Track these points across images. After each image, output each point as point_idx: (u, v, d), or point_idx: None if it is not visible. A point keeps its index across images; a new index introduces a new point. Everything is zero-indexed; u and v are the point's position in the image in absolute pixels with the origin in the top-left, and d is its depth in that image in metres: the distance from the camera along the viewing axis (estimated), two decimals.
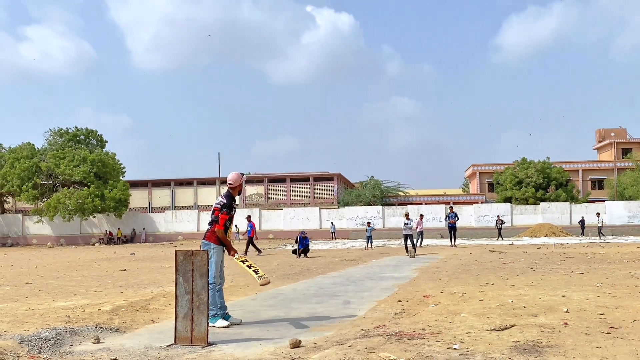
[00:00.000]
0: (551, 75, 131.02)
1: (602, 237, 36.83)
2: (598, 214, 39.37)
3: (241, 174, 7.52)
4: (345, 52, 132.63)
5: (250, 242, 25.11)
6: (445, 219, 24.87)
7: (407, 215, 23.96)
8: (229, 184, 7.46)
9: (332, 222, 50.10)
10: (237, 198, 7.68)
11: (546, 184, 54.09)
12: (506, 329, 6.00)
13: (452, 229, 29.28)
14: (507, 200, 53.91)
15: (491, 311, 7.10)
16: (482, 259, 18.35)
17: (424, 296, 9.02)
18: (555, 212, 49.88)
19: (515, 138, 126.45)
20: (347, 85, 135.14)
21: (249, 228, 25.52)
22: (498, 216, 40.94)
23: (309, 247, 23.66)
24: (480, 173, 64.85)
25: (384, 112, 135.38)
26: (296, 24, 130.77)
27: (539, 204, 51.47)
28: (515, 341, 5.40)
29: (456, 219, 29.49)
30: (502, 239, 35.45)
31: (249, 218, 26.59)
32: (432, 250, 25.25)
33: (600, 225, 38.27)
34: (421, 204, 56.06)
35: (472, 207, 51.52)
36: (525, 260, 16.66)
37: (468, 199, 60.64)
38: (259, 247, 26.30)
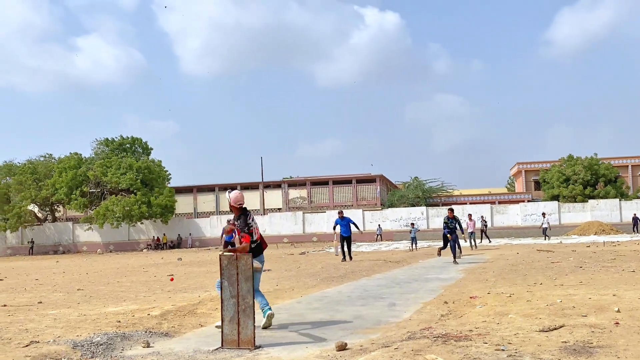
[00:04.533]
0: (601, 69, 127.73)
1: None
2: None
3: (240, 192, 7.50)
4: (392, 51, 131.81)
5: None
6: (444, 227, 19.24)
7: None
8: (239, 204, 7.34)
9: (378, 225, 49.85)
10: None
11: (594, 180, 52.78)
12: (555, 329, 5.89)
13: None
14: (554, 198, 52.81)
15: (539, 311, 6.98)
16: (529, 258, 18.04)
17: (470, 297, 8.93)
18: (605, 210, 48.65)
19: (561, 135, 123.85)
20: (392, 85, 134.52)
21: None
22: (544, 213, 39.71)
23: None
24: (525, 171, 63.70)
25: (429, 111, 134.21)
26: (343, 24, 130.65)
27: (587, 201, 50.29)
28: (565, 342, 5.30)
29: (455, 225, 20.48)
30: (548, 238, 34.57)
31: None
32: (478, 251, 24.93)
33: None
34: (466, 203, 55.38)
35: (518, 206, 50.66)
36: (574, 259, 16.30)
37: (514, 197, 59.63)
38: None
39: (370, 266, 18.08)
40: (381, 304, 9.23)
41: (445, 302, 8.70)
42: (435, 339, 5.73)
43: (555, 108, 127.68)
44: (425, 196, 57.27)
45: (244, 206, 7.38)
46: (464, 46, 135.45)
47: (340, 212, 21.38)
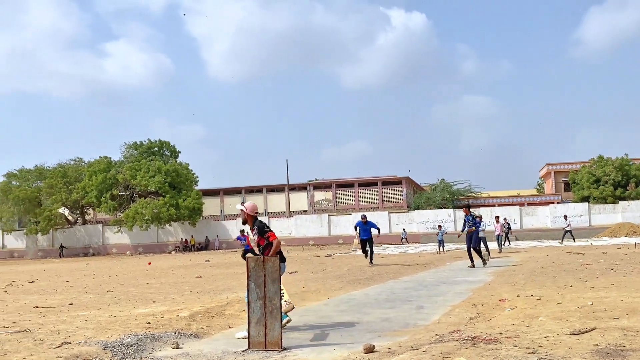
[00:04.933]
0: (631, 68, 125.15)
1: None
2: None
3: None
4: (418, 52, 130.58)
5: (246, 254, 25.69)
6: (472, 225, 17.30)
7: (479, 218, 23.39)
8: (255, 212, 7.82)
9: (403, 229, 49.63)
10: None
11: (625, 181, 51.88)
12: (586, 332, 5.80)
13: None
14: (584, 199, 52.03)
15: (570, 314, 6.88)
16: (559, 260, 17.79)
17: (499, 300, 8.84)
18: (636, 211, 47.77)
19: (591, 135, 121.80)
20: (418, 87, 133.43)
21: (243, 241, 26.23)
22: (565, 216, 38.33)
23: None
24: (555, 172, 62.89)
25: (456, 112, 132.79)
26: (369, 26, 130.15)
27: (618, 202, 49.45)
28: (597, 345, 5.22)
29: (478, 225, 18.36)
30: (574, 241, 33.76)
31: (242, 232, 27.72)
32: (506, 254, 24.67)
33: None
34: (494, 205, 54.87)
35: (548, 208, 50.04)
36: (605, 262, 16.03)
37: (543, 199, 58.89)
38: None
39: (397, 269, 18.02)
40: (409, 306, 9.19)
41: (474, 305, 8.62)
42: (464, 342, 5.68)
43: (585, 108, 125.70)
44: (452, 198, 56.87)
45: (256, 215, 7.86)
46: (492, 46, 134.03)
47: (364, 217, 20.81)
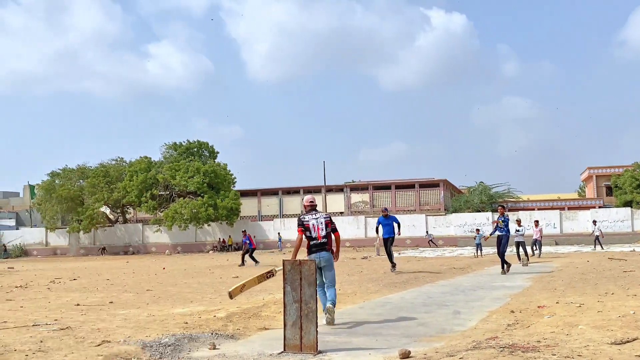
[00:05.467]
0: None
1: None
2: None
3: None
4: (458, 53, 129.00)
5: (247, 253, 26.15)
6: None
7: (518, 222, 22.98)
8: (310, 202, 8.66)
9: (426, 231, 49.37)
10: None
11: None
12: (628, 342, 5.67)
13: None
14: (627, 204, 50.76)
15: (611, 323, 6.74)
16: (600, 267, 17.42)
17: (538, 306, 8.70)
18: None
19: (635, 138, 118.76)
20: (458, 88, 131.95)
21: (246, 241, 26.55)
22: (594, 221, 36.66)
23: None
24: (596, 176, 61.59)
25: (496, 114, 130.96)
26: (409, 27, 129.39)
27: None
28: (639, 356, 5.10)
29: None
30: (602, 248, 32.75)
31: (244, 232, 27.96)
32: (546, 259, 24.26)
33: None
34: (533, 209, 53.99)
35: (589, 212, 48.98)
36: None
37: (584, 203, 57.70)
38: (257, 259, 26.53)
39: (434, 272, 17.88)
40: (445, 311, 9.12)
41: (512, 311, 8.51)
42: (501, 349, 5.61)
43: (629, 111, 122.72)
44: (490, 201, 56.16)
45: (314, 205, 8.61)
46: (533, 47, 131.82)
47: (385, 210, 18.32)
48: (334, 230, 8.42)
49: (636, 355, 5.11)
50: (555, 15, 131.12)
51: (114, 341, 6.65)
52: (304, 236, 8.24)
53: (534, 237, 25.79)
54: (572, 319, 7.32)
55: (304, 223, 8.23)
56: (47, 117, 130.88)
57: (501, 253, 16.42)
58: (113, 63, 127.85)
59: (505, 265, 16.43)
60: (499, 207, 17.30)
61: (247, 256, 26.39)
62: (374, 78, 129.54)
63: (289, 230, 54.17)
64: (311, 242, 8.20)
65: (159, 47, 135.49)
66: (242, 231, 30.06)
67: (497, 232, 16.60)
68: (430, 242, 47.26)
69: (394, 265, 18.10)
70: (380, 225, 17.80)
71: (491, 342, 6.05)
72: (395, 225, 17.68)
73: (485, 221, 48.86)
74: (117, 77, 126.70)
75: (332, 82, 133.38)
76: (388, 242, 17.85)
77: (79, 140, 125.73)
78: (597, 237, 32.62)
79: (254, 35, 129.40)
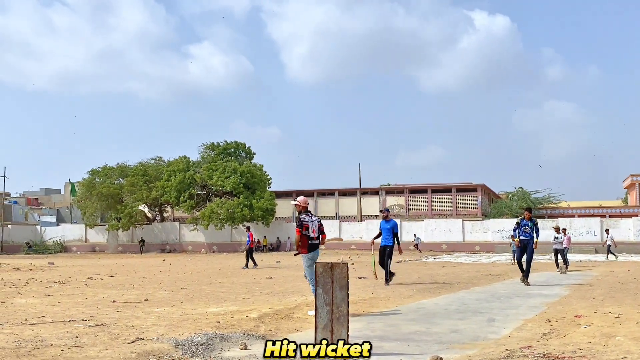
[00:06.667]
0: None
1: None
2: None
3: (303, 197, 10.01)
4: (501, 56, 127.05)
5: (249, 253, 25.18)
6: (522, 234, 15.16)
7: (557, 229, 22.59)
8: (307, 203, 9.88)
9: (414, 234, 48.77)
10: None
11: None
12: None
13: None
14: None
15: None
16: None
17: (575, 316, 8.51)
18: None
19: None
20: (500, 92, 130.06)
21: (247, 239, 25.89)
22: (607, 230, 35.24)
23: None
24: (639, 184, 60.13)
25: (539, 119, 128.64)
26: (451, 29, 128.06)
27: None
28: None
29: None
30: (615, 256, 31.60)
31: (247, 229, 27.30)
32: (585, 267, 23.75)
33: None
34: (574, 216, 52.94)
35: (631, 220, 47.83)
36: None
37: (626, 211, 56.35)
38: (256, 261, 25.49)
39: (469, 278, 17.67)
40: (479, 318, 8.98)
41: (548, 320, 8.34)
42: (535, 358, 5.50)
43: None
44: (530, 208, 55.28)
45: (307, 208, 9.79)
46: (579, 51, 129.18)
47: (386, 212, 15.71)
48: (322, 232, 9.73)
49: None
50: (602, 19, 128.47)
51: (147, 339, 6.73)
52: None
53: (564, 246, 24.51)
54: (610, 329, 7.14)
55: (304, 223, 9.31)
56: (89, 115, 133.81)
57: (519, 260, 15.32)
58: (156, 63, 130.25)
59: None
60: (525, 212, 15.59)
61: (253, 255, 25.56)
62: (415, 81, 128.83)
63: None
64: (310, 242, 9.35)
65: (200, 48, 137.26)
66: (246, 228, 29.21)
67: (522, 237, 15.07)
68: (415, 246, 46.50)
69: (389, 277, 14.89)
70: (380, 231, 15.24)
71: (525, 351, 5.94)
72: (394, 235, 14.98)
73: None
74: (159, 77, 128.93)
75: (371, 84, 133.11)
76: (385, 251, 15.00)
77: (119, 139, 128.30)
78: (609, 247, 31.65)
79: (294, 36, 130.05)
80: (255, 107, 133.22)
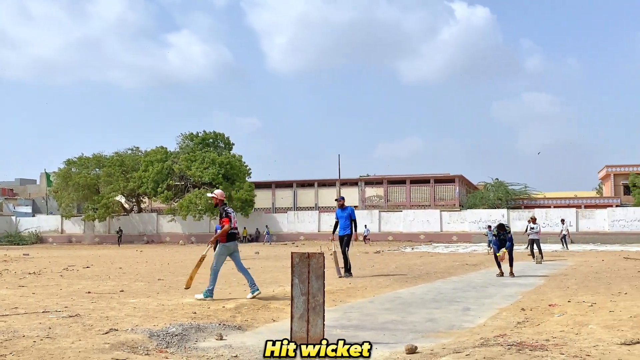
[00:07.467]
0: None
1: None
2: None
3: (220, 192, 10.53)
4: (480, 47, 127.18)
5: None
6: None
7: (533, 220, 22.87)
8: (222, 197, 10.40)
9: (365, 225, 48.34)
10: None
11: None
12: (638, 343, 5.59)
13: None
14: None
15: (622, 323, 6.65)
16: (615, 266, 17.24)
17: (549, 305, 8.62)
18: None
19: None
20: (478, 83, 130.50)
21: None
22: (562, 220, 34.18)
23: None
24: (614, 175, 60.98)
25: (516, 110, 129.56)
26: (432, 20, 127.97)
27: None
28: None
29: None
30: (566, 247, 31.83)
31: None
32: (560, 256, 24.06)
33: None
34: (550, 207, 53.58)
35: (606, 211, 48.55)
36: None
37: (601, 202, 57.17)
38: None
39: (446, 268, 17.80)
40: (455, 307, 9.05)
41: (522, 309, 8.43)
42: (509, 347, 5.55)
43: None
44: (507, 198, 55.82)
45: (224, 200, 10.32)
46: (558, 43, 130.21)
47: (341, 200, 14.70)
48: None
49: None
50: (581, 11, 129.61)
51: (121, 329, 6.68)
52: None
53: (563, 233, 26.01)
54: (583, 318, 7.24)
55: (229, 214, 9.93)
56: (65, 104, 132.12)
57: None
58: (134, 52, 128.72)
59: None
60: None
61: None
62: (395, 71, 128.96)
63: (303, 223, 54.30)
64: (231, 231, 9.94)
65: (179, 36, 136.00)
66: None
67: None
68: (365, 238, 46.42)
69: (347, 270, 14.26)
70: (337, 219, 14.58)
71: (499, 340, 6.00)
72: (352, 221, 14.34)
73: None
74: (137, 66, 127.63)
75: (352, 75, 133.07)
76: (343, 241, 14.33)
77: (96, 129, 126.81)
78: (564, 237, 31.87)
79: (275, 26, 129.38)
80: (235, 97, 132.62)
